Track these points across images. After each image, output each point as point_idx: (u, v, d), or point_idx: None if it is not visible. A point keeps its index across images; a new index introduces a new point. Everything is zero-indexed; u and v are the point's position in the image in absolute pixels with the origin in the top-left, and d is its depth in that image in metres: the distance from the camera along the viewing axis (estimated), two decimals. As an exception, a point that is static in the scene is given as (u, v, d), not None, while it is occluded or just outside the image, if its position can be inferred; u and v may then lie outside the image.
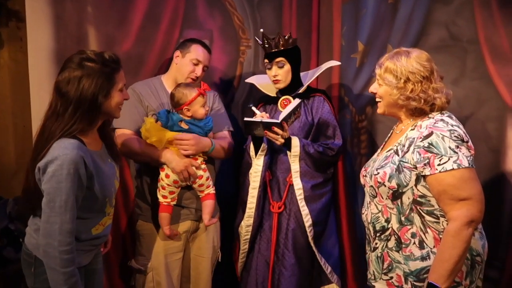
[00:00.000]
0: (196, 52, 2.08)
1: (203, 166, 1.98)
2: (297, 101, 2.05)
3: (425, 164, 1.39)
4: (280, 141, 1.98)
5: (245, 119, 1.98)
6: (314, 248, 2.07)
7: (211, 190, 2.01)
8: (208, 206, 2.00)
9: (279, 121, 1.94)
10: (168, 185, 1.94)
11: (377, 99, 1.58)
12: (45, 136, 1.42)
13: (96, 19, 2.24)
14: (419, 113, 1.49)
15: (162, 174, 1.95)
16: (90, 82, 1.41)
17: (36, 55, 2.15)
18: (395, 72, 1.46)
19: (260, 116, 2.01)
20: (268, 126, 1.95)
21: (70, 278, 1.40)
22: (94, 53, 1.47)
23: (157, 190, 1.98)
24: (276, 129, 1.94)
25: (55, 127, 1.41)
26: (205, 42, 2.18)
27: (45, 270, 1.45)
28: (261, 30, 2.17)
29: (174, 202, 1.99)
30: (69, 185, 1.37)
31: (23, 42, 2.49)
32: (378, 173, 1.49)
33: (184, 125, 1.95)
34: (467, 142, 1.40)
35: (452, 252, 1.34)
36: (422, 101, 1.45)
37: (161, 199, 1.97)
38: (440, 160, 1.36)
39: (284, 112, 2.00)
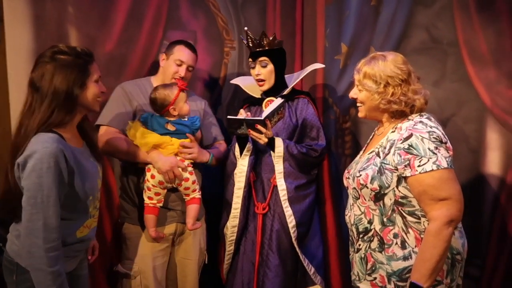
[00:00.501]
0: (179, 52, 2.08)
1: (190, 169, 1.97)
2: (280, 100, 2.05)
3: (405, 166, 1.41)
4: (263, 140, 1.98)
5: (228, 117, 1.98)
6: (297, 249, 2.07)
7: (197, 195, 1.99)
8: (193, 210, 1.98)
9: (262, 118, 1.94)
10: (153, 186, 1.92)
11: (358, 104, 1.60)
12: (22, 133, 1.40)
13: (77, 19, 2.20)
14: (399, 115, 1.52)
15: (148, 175, 1.93)
16: (64, 75, 1.40)
17: (15, 56, 2.10)
18: (374, 77, 1.48)
19: (246, 115, 2.01)
20: (251, 124, 1.94)
21: (58, 277, 1.37)
22: (67, 46, 1.47)
23: (143, 191, 1.96)
24: (259, 127, 1.94)
25: (32, 122, 1.39)
26: (191, 43, 2.17)
27: (27, 277, 1.41)
28: (246, 28, 2.17)
29: (161, 204, 1.97)
30: (50, 180, 1.34)
31: (1, 42, 2.43)
32: (360, 175, 1.51)
33: (171, 127, 1.94)
34: (445, 143, 1.42)
35: (433, 252, 1.36)
36: (403, 103, 1.47)
37: (146, 201, 1.95)
38: (420, 162, 1.38)
39: (267, 110, 2.00)
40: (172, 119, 1.95)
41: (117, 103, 2.00)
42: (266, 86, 2.16)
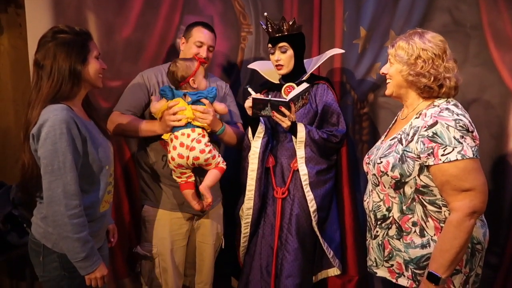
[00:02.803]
0: (198, 34, 2.07)
1: (205, 140, 1.93)
2: (306, 84, 2.02)
3: (428, 154, 1.38)
4: (286, 123, 1.96)
5: (254, 96, 1.94)
6: (318, 233, 2.09)
7: (220, 164, 1.96)
8: (211, 174, 1.93)
9: (287, 100, 1.92)
10: (175, 167, 1.95)
11: (387, 80, 1.57)
12: (31, 108, 1.44)
13: (96, 5, 2.21)
14: (427, 93, 1.47)
15: (169, 157, 1.95)
16: (65, 52, 1.46)
17: (36, 41, 2.06)
18: (407, 49, 1.46)
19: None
20: (275, 106, 1.93)
21: (86, 244, 1.42)
22: (66, 26, 1.52)
23: (171, 171, 1.99)
24: (283, 109, 1.92)
25: (40, 96, 1.44)
26: (208, 23, 2.15)
27: (54, 257, 1.46)
28: (265, 14, 2.14)
29: (192, 179, 1.98)
30: (65, 145, 1.38)
31: (22, 28, 2.46)
32: (381, 162, 1.49)
33: (188, 99, 1.94)
34: (472, 132, 1.38)
35: (454, 243, 1.34)
36: (432, 78, 1.43)
37: (177, 180, 1.98)
38: (444, 150, 1.35)
39: (292, 93, 1.98)
40: (189, 91, 1.95)
41: (132, 90, 2.04)
42: (284, 70, 2.14)
